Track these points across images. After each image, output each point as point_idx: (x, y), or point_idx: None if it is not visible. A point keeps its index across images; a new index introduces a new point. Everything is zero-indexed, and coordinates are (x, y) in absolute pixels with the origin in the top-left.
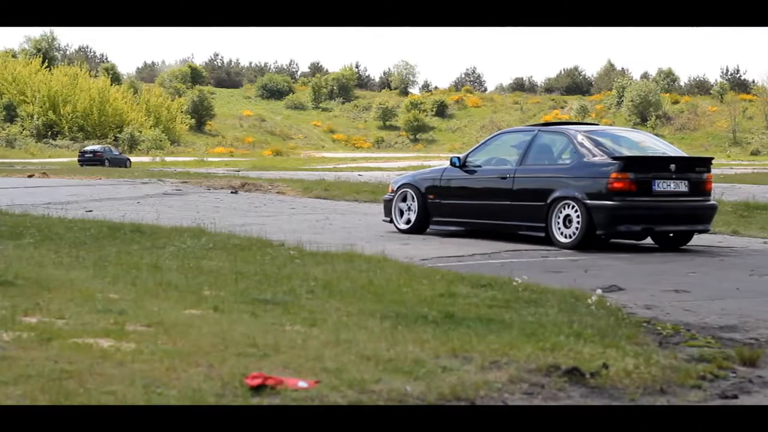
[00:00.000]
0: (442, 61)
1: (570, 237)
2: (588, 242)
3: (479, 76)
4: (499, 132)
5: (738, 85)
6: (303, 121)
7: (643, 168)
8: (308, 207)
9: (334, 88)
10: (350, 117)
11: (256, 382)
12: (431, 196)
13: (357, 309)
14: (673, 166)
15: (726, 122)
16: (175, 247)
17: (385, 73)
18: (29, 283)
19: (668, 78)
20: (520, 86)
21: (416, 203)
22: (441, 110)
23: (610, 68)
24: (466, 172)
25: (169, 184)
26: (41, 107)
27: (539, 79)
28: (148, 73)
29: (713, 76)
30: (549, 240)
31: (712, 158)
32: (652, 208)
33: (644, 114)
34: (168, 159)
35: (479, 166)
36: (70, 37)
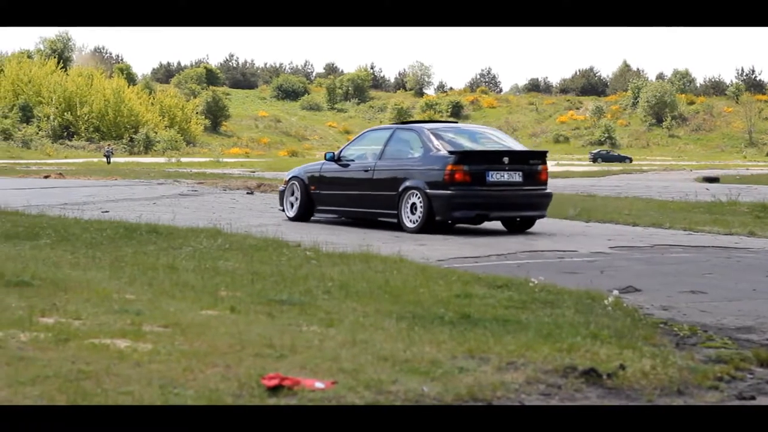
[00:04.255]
0: (457, 62)
1: (415, 222)
2: (429, 227)
3: (494, 76)
4: (367, 130)
5: (754, 85)
6: (318, 121)
7: (477, 160)
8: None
9: (350, 88)
10: (365, 118)
11: (273, 382)
12: (312, 188)
13: (373, 309)
14: (506, 159)
15: (742, 123)
16: (192, 248)
17: (400, 74)
18: (46, 284)
19: (684, 79)
20: (535, 87)
21: (300, 193)
22: (456, 111)
23: (626, 69)
24: (340, 165)
25: (184, 184)
26: (57, 108)
27: (554, 80)
28: (163, 74)
29: (729, 77)
30: (399, 226)
31: (546, 151)
32: (485, 196)
33: (660, 115)
34: (183, 160)
35: (352, 160)
36: (85, 38)
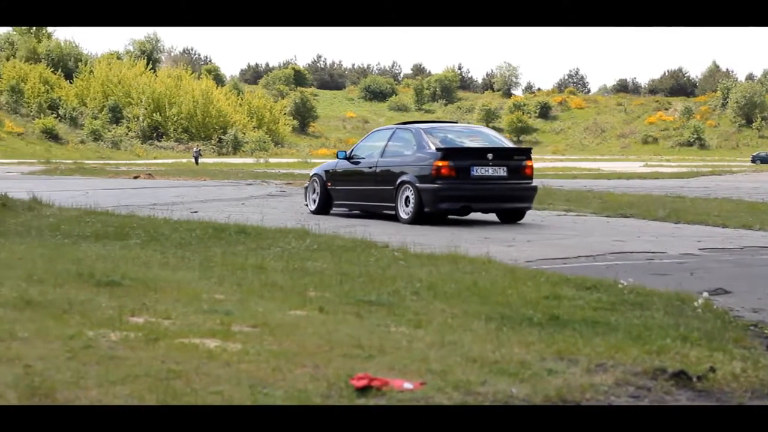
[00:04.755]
0: (545, 63)
1: (408, 214)
2: (419, 218)
3: (582, 77)
4: (374, 130)
5: None
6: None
7: (463, 156)
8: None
9: (437, 89)
10: (453, 118)
11: (362, 383)
12: (329, 184)
13: (462, 310)
14: (490, 155)
15: None
16: (280, 248)
17: (487, 75)
18: (136, 284)
19: None
20: (623, 88)
21: (319, 189)
22: (544, 112)
23: (715, 69)
24: (352, 163)
25: (273, 185)
26: (146, 109)
27: (643, 81)
28: (251, 75)
29: None
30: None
31: (531, 148)
32: (470, 189)
33: (749, 115)
34: (272, 160)
35: (362, 158)
36: (174, 39)
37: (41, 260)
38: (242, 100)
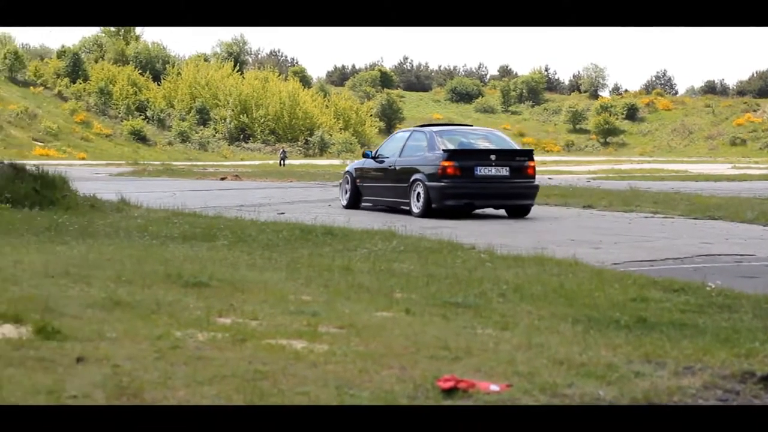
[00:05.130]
0: (632, 64)
1: (419, 209)
2: (428, 212)
3: (670, 78)
4: (396, 132)
5: None
6: (492, 124)
7: (467, 157)
8: (495, 211)
9: (524, 91)
10: (540, 120)
11: (448, 384)
12: (358, 181)
13: (548, 313)
14: (493, 156)
15: None
16: (367, 250)
17: (574, 76)
18: (223, 285)
19: None
20: (711, 89)
21: (350, 186)
22: (631, 113)
23: None
24: (377, 162)
25: None
26: (233, 111)
27: (731, 82)
28: (337, 76)
29: None
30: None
31: (532, 150)
32: (473, 188)
33: None
34: None
35: (386, 157)
36: (260, 41)
37: (129, 261)
38: (329, 101)
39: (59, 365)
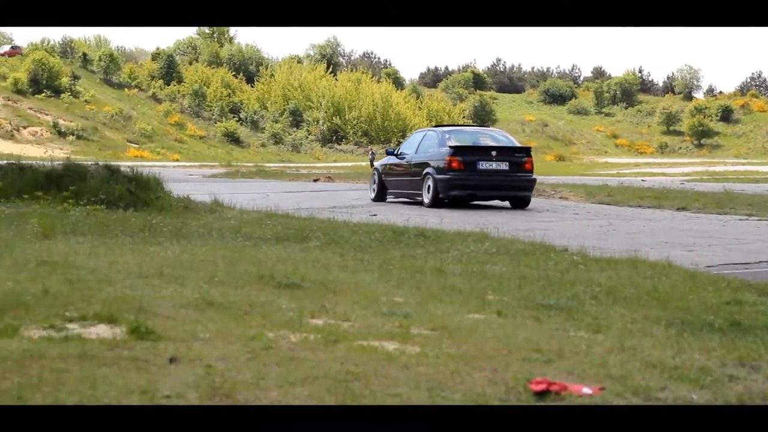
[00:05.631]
0: (726, 65)
1: (429, 199)
2: (436, 203)
3: (765, 80)
4: (415, 132)
5: None
6: (585, 126)
7: (470, 153)
8: (591, 212)
9: (617, 92)
10: (633, 122)
11: (541, 387)
12: (383, 176)
13: (641, 315)
14: (494, 153)
15: None
16: (459, 252)
17: (668, 78)
18: (315, 286)
19: None
20: None
21: (377, 180)
22: (726, 115)
23: None
24: (398, 158)
25: None
26: (326, 112)
27: None
28: (430, 78)
29: None
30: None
31: (530, 147)
32: (475, 180)
33: None
34: None
35: (406, 154)
36: (353, 43)
37: (223, 262)
38: (421, 103)
39: (153, 365)
